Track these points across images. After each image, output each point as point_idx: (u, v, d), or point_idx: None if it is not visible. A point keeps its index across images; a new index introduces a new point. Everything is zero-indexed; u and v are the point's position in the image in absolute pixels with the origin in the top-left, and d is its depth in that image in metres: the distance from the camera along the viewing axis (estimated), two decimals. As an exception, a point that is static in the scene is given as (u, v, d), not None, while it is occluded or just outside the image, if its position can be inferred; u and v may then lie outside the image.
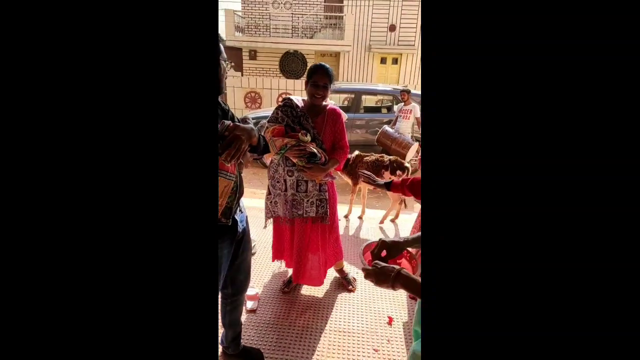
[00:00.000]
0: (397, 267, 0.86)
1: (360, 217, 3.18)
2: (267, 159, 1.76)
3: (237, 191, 1.17)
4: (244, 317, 1.80)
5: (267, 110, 6.50)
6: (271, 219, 1.92)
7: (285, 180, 1.76)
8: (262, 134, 1.38)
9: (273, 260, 2.06)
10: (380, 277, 0.85)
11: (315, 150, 1.63)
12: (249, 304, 1.90)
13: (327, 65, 1.68)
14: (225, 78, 1.15)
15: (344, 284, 2.12)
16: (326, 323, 1.84)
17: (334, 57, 11.86)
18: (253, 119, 6.03)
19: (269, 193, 1.86)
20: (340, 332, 1.77)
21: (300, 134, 1.63)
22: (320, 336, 1.74)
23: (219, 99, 1.19)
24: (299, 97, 1.79)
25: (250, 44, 11.18)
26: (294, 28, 11.25)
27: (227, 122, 1.09)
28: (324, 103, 1.74)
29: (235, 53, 11.36)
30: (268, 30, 11.34)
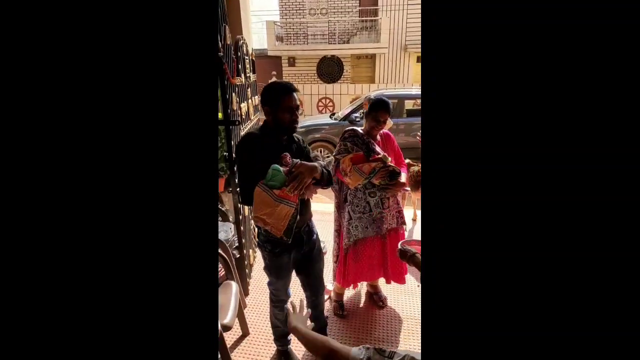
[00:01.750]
0: (413, 250, 1.31)
1: (413, 220, 3.52)
2: (352, 185, 1.92)
3: (297, 216, 1.36)
4: (328, 311, 2.18)
5: (312, 119, 6.93)
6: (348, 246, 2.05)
7: (368, 202, 1.96)
8: (330, 168, 1.56)
9: (344, 287, 2.16)
10: (401, 254, 1.34)
11: (397, 169, 1.90)
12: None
13: (388, 101, 1.91)
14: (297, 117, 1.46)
15: (375, 299, 2.28)
16: (397, 311, 2.23)
17: (370, 59, 12.10)
18: (300, 127, 6.32)
19: (350, 218, 2.00)
20: (409, 318, 2.15)
21: (382, 156, 1.87)
22: (394, 321, 2.13)
23: (296, 136, 1.53)
24: (357, 128, 2.05)
25: (290, 52, 11.73)
26: (331, 34, 11.64)
27: (296, 160, 1.37)
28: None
29: (275, 61, 11.96)
30: (306, 37, 11.83)
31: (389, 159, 1.90)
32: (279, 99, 1.38)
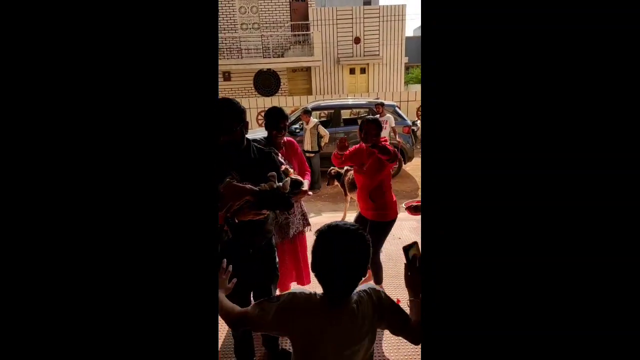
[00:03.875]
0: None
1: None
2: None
3: (222, 235, 1.41)
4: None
5: (252, 132, 6.88)
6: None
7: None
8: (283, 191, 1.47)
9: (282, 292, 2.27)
10: (415, 209, 1.72)
11: (300, 179, 1.93)
12: None
13: (281, 108, 2.05)
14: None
15: None
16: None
17: (306, 72, 12.41)
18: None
19: None
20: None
21: (284, 168, 1.82)
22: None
23: (269, 150, 1.51)
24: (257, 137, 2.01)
25: (224, 67, 11.55)
26: (265, 48, 11.73)
27: (228, 181, 1.34)
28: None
29: (210, 76, 11.69)
30: (240, 52, 11.76)
31: (291, 170, 1.95)
32: None
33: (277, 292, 1.84)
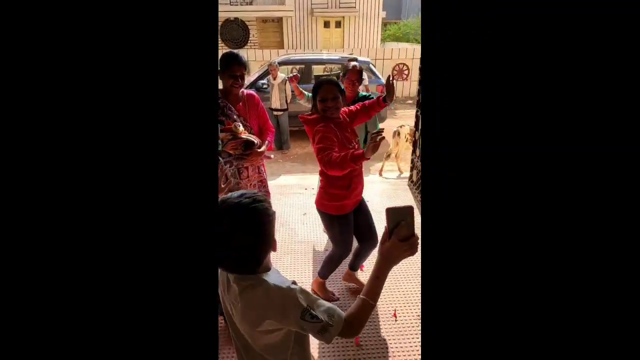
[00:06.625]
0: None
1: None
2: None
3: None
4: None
5: (217, 86, 6.37)
6: None
7: (225, 173, 1.78)
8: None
9: None
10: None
11: (251, 139, 1.72)
12: None
13: (238, 53, 1.74)
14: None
15: None
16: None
17: (277, 23, 11.55)
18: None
19: None
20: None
21: (233, 126, 1.68)
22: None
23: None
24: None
25: (186, 13, 10.51)
26: (232, -7, 10.70)
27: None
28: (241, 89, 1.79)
29: (171, 23, 10.64)
30: (203, -4, 10.69)
31: (240, 128, 1.71)
32: None
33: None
